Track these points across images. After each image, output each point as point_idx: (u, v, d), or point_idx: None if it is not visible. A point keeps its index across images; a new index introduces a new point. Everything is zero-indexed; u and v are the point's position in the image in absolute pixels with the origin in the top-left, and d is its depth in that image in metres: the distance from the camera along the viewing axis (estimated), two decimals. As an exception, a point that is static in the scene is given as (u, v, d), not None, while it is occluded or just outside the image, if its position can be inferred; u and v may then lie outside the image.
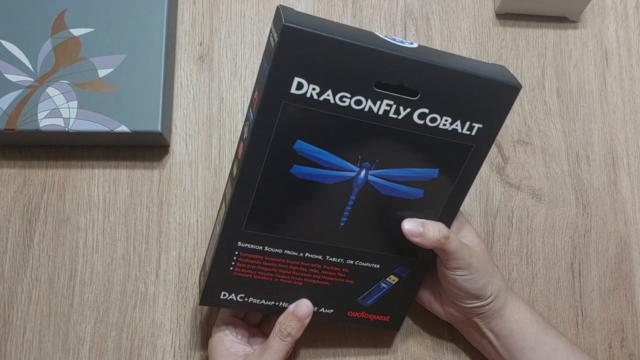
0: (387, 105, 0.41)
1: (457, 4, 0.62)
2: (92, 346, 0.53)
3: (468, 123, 0.43)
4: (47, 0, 0.54)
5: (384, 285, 0.49)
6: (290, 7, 0.48)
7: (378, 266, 0.48)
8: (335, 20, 0.52)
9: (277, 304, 0.48)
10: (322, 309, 0.49)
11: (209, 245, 0.49)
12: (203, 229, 0.56)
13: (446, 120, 0.42)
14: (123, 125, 0.52)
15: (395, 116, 0.41)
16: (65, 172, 0.56)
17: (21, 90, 0.53)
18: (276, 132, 0.41)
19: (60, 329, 0.53)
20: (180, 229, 0.56)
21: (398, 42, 0.41)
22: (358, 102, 0.40)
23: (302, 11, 0.45)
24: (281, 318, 0.47)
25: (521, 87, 0.42)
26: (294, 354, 0.54)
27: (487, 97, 0.42)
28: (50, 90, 0.53)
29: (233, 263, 0.45)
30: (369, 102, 0.40)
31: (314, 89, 0.39)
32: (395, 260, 0.48)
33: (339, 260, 0.47)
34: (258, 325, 0.52)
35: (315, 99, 0.40)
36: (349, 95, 0.40)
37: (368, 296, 0.49)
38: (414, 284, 0.50)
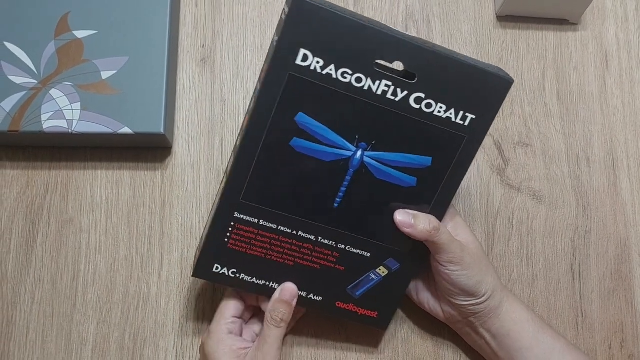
0: (386, 85, 0.43)
1: (457, 7, 0.62)
2: (94, 346, 0.53)
3: (462, 112, 0.45)
4: (51, 2, 0.55)
5: (373, 276, 0.49)
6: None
7: (369, 255, 0.49)
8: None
9: (267, 283, 0.49)
10: (311, 296, 0.50)
11: (206, 220, 0.50)
12: (205, 230, 0.56)
13: (441, 108, 0.44)
14: (126, 127, 0.52)
15: (392, 98, 0.44)
16: (68, 174, 0.56)
17: (25, 92, 0.53)
18: (280, 103, 0.43)
19: (63, 330, 0.54)
20: (183, 230, 0.56)
21: (401, 31, 0.44)
22: (358, 80, 0.43)
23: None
24: (269, 306, 0.48)
25: (513, 81, 0.44)
26: (297, 353, 0.54)
27: (481, 88, 0.44)
28: (54, 92, 0.53)
29: (228, 234, 0.47)
30: (369, 81, 0.43)
31: (318, 62, 0.42)
32: (386, 250, 0.49)
33: (330, 243, 0.48)
34: (248, 322, 0.52)
35: (319, 72, 0.42)
36: (350, 72, 0.42)
37: (357, 286, 0.50)
38: (403, 280, 0.50)
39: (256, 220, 0.47)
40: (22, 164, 0.57)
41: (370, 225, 0.48)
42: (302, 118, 0.44)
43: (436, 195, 0.47)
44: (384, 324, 0.52)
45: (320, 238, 0.48)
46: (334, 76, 0.42)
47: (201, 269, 0.48)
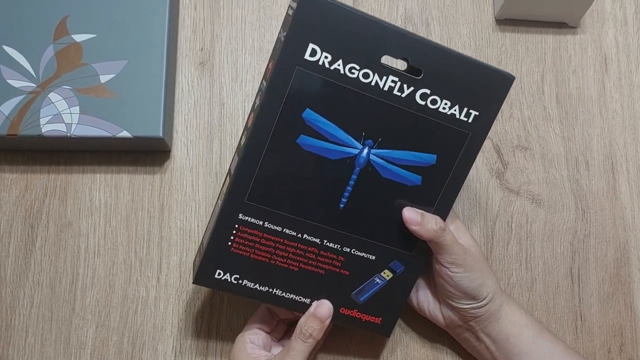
0: (392, 81, 0.44)
1: (456, 10, 0.62)
2: (93, 350, 0.53)
3: (466, 109, 0.45)
4: (50, 6, 0.55)
5: (378, 280, 0.49)
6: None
7: (373, 257, 0.48)
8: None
9: (270, 290, 0.48)
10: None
11: (207, 227, 0.49)
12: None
13: (445, 104, 0.45)
14: (125, 131, 0.52)
15: (399, 94, 0.44)
16: (67, 177, 0.56)
17: (23, 96, 0.53)
18: (287, 98, 0.43)
19: (62, 333, 0.54)
20: (181, 234, 0.56)
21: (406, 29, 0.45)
22: (366, 75, 0.43)
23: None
24: (302, 320, 0.47)
25: (515, 77, 0.45)
26: None
27: (484, 84, 0.45)
28: (53, 96, 0.53)
29: (232, 237, 0.46)
30: (376, 76, 0.43)
31: (326, 57, 0.42)
32: (390, 252, 0.48)
33: (335, 246, 0.47)
34: (280, 340, 0.52)
35: (327, 68, 0.43)
36: (357, 67, 0.43)
37: (361, 292, 0.49)
38: (407, 284, 0.50)
39: (261, 223, 0.46)
40: (21, 168, 0.57)
41: (375, 226, 0.47)
42: (309, 115, 0.44)
43: (440, 194, 0.47)
44: (387, 330, 0.51)
45: (325, 241, 0.47)
46: (342, 71, 0.43)
47: (202, 275, 0.47)
